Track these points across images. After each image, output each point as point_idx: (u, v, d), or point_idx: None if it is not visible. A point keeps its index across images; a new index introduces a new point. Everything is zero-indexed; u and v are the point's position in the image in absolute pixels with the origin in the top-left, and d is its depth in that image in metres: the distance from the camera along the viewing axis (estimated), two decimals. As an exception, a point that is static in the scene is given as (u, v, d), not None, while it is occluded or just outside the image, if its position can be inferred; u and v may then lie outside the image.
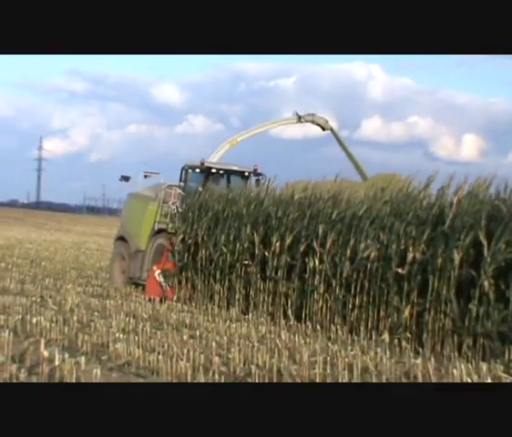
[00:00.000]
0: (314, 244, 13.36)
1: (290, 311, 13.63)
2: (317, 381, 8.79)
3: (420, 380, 9.11)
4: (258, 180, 17.31)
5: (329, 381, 8.83)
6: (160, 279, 16.13)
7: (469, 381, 8.91)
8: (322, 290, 13.16)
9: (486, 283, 10.70)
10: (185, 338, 10.80)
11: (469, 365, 9.89)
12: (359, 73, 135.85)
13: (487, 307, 10.68)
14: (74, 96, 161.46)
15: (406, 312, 11.77)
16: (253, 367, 9.07)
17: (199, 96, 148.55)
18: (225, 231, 15.31)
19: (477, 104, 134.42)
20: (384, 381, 8.86)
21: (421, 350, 11.21)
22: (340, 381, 8.81)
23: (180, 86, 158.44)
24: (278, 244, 14.03)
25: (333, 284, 12.95)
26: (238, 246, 14.90)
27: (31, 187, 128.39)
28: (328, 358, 9.94)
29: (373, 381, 8.83)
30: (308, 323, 13.10)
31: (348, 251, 12.78)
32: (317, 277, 13.25)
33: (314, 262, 13.31)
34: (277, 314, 13.78)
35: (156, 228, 17.24)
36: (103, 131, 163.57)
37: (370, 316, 12.34)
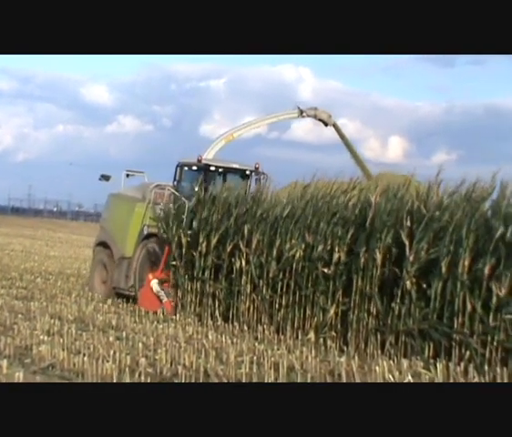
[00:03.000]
0: (240, 244, 13.44)
1: (217, 312, 13.67)
2: (243, 380, 8.85)
3: (344, 378, 9.28)
4: (258, 180, 15.91)
5: (255, 380, 8.90)
6: (158, 289, 14.62)
7: (391, 377, 9.14)
8: (248, 291, 13.25)
9: (408, 282, 10.97)
10: (111, 339, 10.69)
11: (391, 362, 10.15)
12: (289, 75, 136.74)
13: (409, 305, 10.95)
14: (0, 96, 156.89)
15: (332, 311, 11.97)
16: (180, 367, 9.08)
17: (130, 97, 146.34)
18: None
19: (404, 107, 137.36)
20: (309, 379, 8.99)
21: (346, 348, 11.42)
22: (266, 380, 8.90)
23: (111, 86, 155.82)
24: (204, 244, 14.04)
25: (260, 284, 13.06)
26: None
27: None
28: (255, 357, 10.04)
29: (299, 380, 8.94)
30: (235, 323, 13.17)
31: (274, 251, 12.91)
32: (244, 277, 13.33)
33: (241, 262, 13.39)
34: (204, 315, 13.80)
35: (145, 232, 15.70)
36: (30, 131, 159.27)
37: (296, 315, 12.50)
